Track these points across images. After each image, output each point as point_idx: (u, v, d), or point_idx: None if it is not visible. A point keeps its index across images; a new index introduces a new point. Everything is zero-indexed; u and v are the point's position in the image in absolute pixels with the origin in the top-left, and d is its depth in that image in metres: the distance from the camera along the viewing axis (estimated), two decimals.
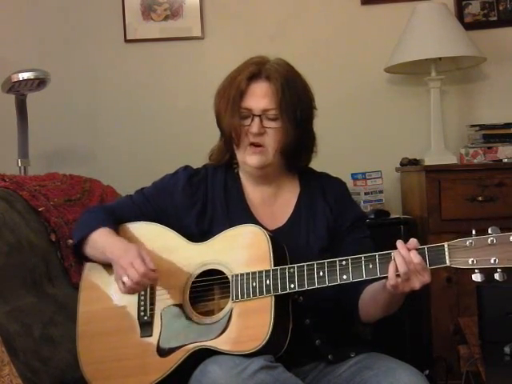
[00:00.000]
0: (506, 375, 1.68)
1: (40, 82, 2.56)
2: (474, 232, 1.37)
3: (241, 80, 1.61)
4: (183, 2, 3.13)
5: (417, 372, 1.50)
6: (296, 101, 1.62)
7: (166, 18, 3.13)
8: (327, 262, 1.47)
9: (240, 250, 1.58)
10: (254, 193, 1.72)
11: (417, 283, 1.40)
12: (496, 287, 1.89)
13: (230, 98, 1.61)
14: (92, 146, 3.15)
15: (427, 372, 2.22)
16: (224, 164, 1.74)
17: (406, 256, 1.38)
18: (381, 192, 2.87)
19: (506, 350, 1.75)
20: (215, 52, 3.14)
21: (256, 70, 1.62)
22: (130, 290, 1.55)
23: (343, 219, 1.69)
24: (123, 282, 1.54)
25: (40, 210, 1.99)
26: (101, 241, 1.64)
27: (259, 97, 1.61)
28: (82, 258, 1.72)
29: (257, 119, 1.60)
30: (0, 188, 1.94)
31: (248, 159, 1.63)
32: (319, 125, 1.75)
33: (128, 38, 3.14)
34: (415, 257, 1.38)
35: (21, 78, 2.51)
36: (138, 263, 1.52)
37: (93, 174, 2.50)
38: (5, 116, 2.89)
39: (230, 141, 1.65)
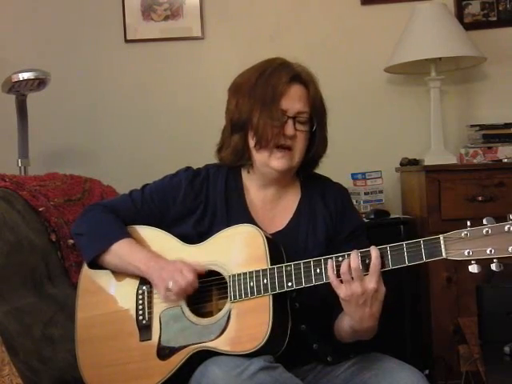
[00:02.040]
0: (506, 375, 1.68)
1: (40, 82, 2.56)
2: (468, 224, 1.36)
3: (279, 82, 1.60)
4: (183, 2, 3.13)
5: (417, 372, 1.50)
6: (324, 107, 1.67)
7: (166, 18, 3.13)
8: (324, 259, 1.46)
9: (236, 250, 1.57)
10: (256, 195, 1.71)
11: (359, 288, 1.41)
12: (496, 287, 1.90)
13: (267, 98, 1.59)
14: (92, 146, 3.15)
15: (427, 372, 2.23)
16: (228, 164, 1.72)
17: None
18: (381, 192, 2.87)
19: (506, 349, 1.76)
20: (215, 52, 3.14)
21: (294, 72, 1.62)
22: (175, 295, 1.54)
23: (342, 227, 1.68)
24: (168, 289, 1.54)
25: (40, 210, 1.99)
26: (126, 252, 1.63)
27: (295, 99, 1.61)
28: (93, 265, 1.69)
29: (291, 121, 1.60)
30: (0, 188, 1.94)
31: (273, 162, 1.61)
32: None
33: (128, 38, 3.14)
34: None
35: (21, 78, 2.51)
36: (187, 270, 1.54)
37: (93, 173, 2.50)
38: (5, 116, 2.89)
39: (259, 141, 1.61)
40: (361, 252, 1.43)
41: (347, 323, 1.51)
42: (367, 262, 1.41)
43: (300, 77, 1.63)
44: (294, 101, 1.60)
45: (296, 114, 1.61)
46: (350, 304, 1.42)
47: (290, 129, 1.59)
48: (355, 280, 1.40)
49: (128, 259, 1.63)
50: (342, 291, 1.42)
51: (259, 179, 1.70)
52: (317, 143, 1.66)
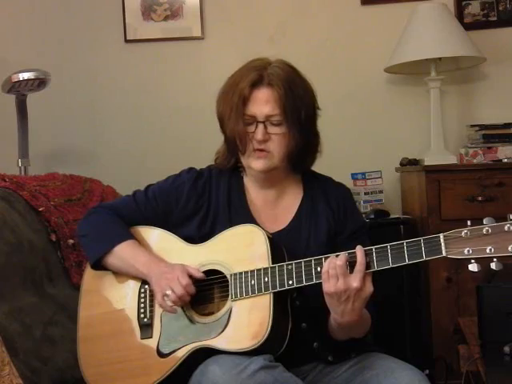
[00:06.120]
0: (506, 375, 1.68)
1: (40, 82, 2.56)
2: (469, 223, 1.37)
3: (243, 87, 1.59)
4: (183, 2, 3.13)
5: (418, 371, 1.50)
6: (299, 104, 1.61)
7: (166, 18, 3.13)
8: (324, 258, 1.47)
9: (238, 249, 1.58)
10: (257, 196, 1.71)
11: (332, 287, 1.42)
12: (496, 287, 1.90)
13: (233, 104, 1.60)
14: (92, 146, 3.15)
15: (427, 372, 2.23)
16: (229, 167, 1.72)
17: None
18: (381, 192, 2.87)
19: (506, 349, 1.75)
20: (215, 52, 3.14)
21: (257, 76, 1.60)
22: (172, 303, 1.55)
23: (345, 227, 1.68)
24: (166, 296, 1.54)
25: (40, 210, 1.99)
26: (128, 255, 1.65)
27: (262, 103, 1.59)
28: (97, 266, 1.69)
29: (261, 126, 1.59)
30: (0, 188, 1.94)
31: (253, 164, 1.62)
32: (319, 125, 1.74)
33: (128, 38, 3.14)
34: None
35: (21, 78, 2.51)
36: (184, 277, 1.54)
37: (93, 173, 2.50)
38: (5, 116, 2.89)
39: (234, 146, 1.63)
40: (348, 253, 1.44)
41: (331, 316, 1.51)
42: (355, 261, 1.42)
43: (264, 80, 1.60)
44: (260, 105, 1.59)
45: (266, 118, 1.59)
46: (333, 298, 1.44)
47: (259, 133, 1.59)
48: (339, 277, 1.41)
49: (130, 262, 1.64)
50: (325, 285, 1.44)
51: (254, 180, 1.71)
52: (305, 140, 1.63)
